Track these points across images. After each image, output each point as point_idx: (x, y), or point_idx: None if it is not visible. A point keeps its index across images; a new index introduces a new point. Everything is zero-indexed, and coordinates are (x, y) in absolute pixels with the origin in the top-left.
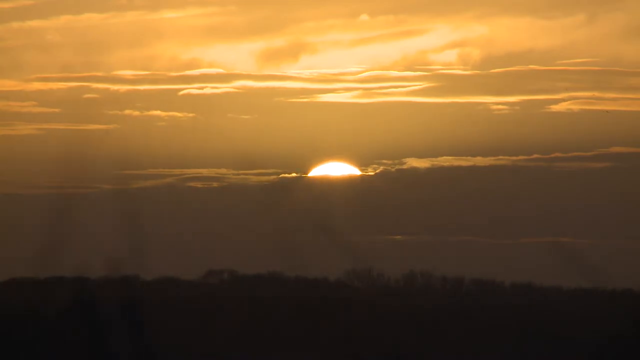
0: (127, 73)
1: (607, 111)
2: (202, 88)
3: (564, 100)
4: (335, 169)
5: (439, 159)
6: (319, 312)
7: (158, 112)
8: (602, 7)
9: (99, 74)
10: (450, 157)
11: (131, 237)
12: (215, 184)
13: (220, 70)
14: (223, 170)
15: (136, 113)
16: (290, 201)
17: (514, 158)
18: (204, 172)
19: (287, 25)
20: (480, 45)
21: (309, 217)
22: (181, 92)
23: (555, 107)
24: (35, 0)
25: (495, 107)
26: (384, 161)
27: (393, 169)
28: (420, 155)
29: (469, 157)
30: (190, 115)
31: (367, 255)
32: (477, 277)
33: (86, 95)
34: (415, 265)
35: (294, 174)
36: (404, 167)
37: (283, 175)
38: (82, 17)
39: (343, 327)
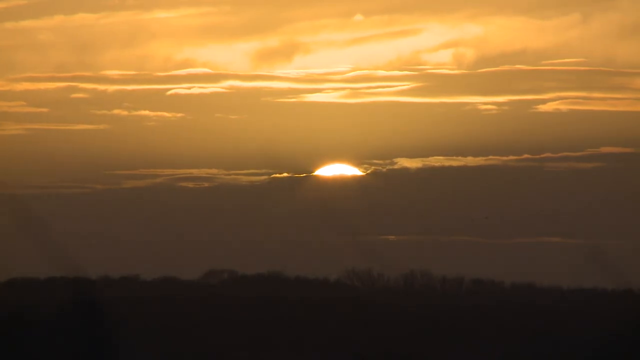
0: (115, 73)
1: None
2: (190, 88)
3: (552, 100)
4: (326, 169)
5: (430, 159)
6: (319, 312)
7: (146, 112)
8: (596, 6)
9: (87, 73)
10: (441, 157)
11: (127, 236)
12: (206, 184)
13: (208, 70)
14: (214, 171)
15: (125, 113)
16: (283, 201)
17: (505, 158)
18: (195, 172)
19: (280, 25)
20: (474, 45)
21: (303, 217)
22: (169, 92)
23: (544, 107)
24: (28, 0)
25: (483, 107)
26: (375, 161)
27: (384, 169)
28: (411, 155)
29: (459, 157)
30: (179, 115)
31: (366, 255)
32: (476, 277)
33: (74, 95)
34: (415, 265)
35: (285, 174)
36: (395, 167)
37: (274, 175)
38: (75, 17)
39: (343, 327)
